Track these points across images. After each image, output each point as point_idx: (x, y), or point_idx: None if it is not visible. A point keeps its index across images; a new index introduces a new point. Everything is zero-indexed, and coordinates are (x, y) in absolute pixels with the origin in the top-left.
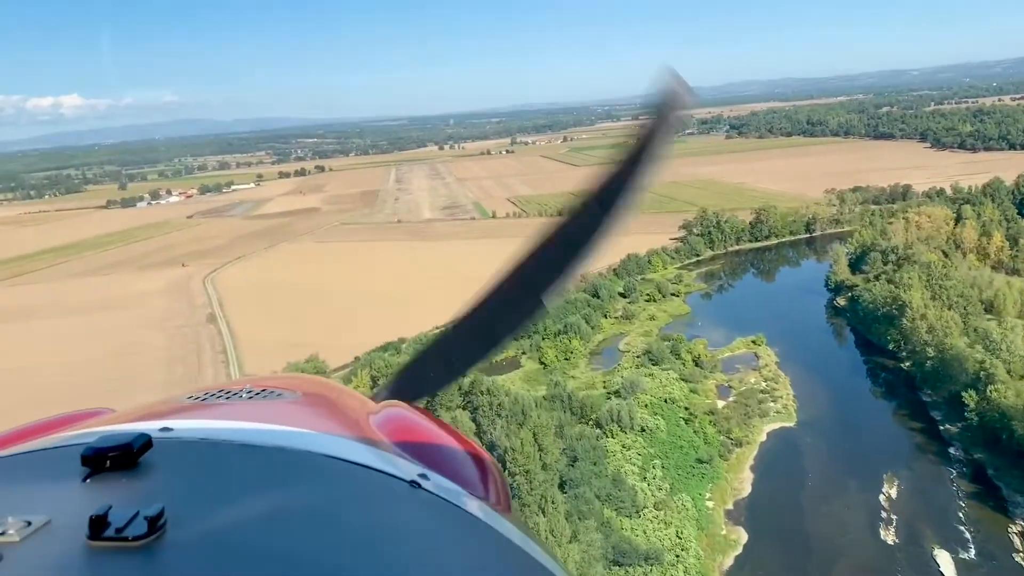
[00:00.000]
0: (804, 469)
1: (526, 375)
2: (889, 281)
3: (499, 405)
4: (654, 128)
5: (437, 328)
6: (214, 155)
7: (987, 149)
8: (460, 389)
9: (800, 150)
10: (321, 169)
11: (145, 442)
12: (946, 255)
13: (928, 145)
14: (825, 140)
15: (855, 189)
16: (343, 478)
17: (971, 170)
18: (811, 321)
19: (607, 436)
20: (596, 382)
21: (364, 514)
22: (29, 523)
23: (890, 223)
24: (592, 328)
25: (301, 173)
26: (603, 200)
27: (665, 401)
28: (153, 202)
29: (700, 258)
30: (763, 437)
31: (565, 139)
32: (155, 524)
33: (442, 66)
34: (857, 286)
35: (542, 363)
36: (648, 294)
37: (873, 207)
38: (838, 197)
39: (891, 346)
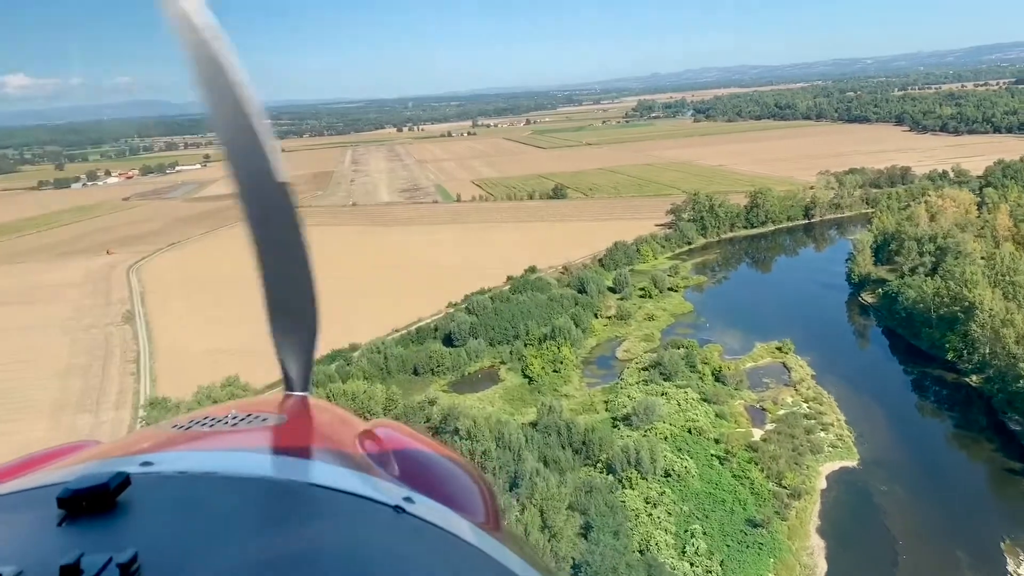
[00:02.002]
0: (888, 531)
1: (508, 393)
2: (934, 275)
3: (484, 454)
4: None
5: (395, 330)
6: (163, 136)
7: (970, 132)
8: (429, 422)
9: (773, 133)
10: None
11: (122, 481)
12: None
13: (906, 128)
14: (797, 123)
15: (850, 171)
16: (326, 507)
17: (961, 152)
18: (836, 321)
19: (624, 485)
20: (595, 402)
21: (346, 544)
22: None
23: (906, 207)
24: (583, 331)
25: None
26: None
27: (689, 431)
28: (89, 183)
29: (692, 246)
30: (823, 483)
31: (528, 122)
32: (128, 571)
33: (400, 49)
34: (888, 280)
35: (526, 376)
36: (643, 289)
37: (874, 191)
38: (837, 180)
39: (949, 355)
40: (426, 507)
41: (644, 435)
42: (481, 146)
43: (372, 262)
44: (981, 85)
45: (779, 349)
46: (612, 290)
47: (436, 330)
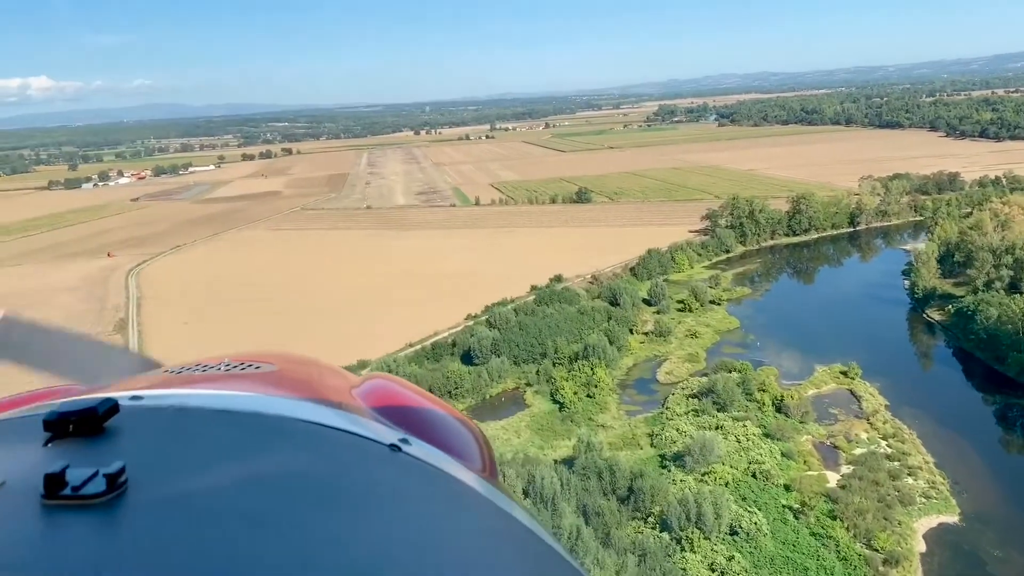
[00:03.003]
0: None
1: (536, 421)
2: (1013, 291)
3: None
4: None
5: (410, 345)
6: (180, 138)
7: (1012, 138)
8: None
9: (802, 137)
10: (288, 152)
11: (111, 407)
12: None
13: (942, 134)
14: (825, 128)
15: (895, 176)
16: (319, 442)
17: (1008, 159)
18: (899, 341)
19: (683, 547)
20: (638, 435)
21: (340, 475)
22: None
23: (967, 215)
24: (618, 349)
25: (267, 155)
26: None
27: (754, 475)
28: (100, 183)
29: (731, 254)
30: (921, 544)
31: (547, 125)
32: (115, 482)
33: (418, 55)
34: (957, 296)
35: (556, 402)
36: (681, 301)
37: (922, 197)
38: (882, 185)
39: None
40: (423, 449)
41: (701, 480)
42: (500, 149)
43: (385, 268)
44: (1013, 91)
45: (844, 374)
46: (647, 302)
47: (454, 346)
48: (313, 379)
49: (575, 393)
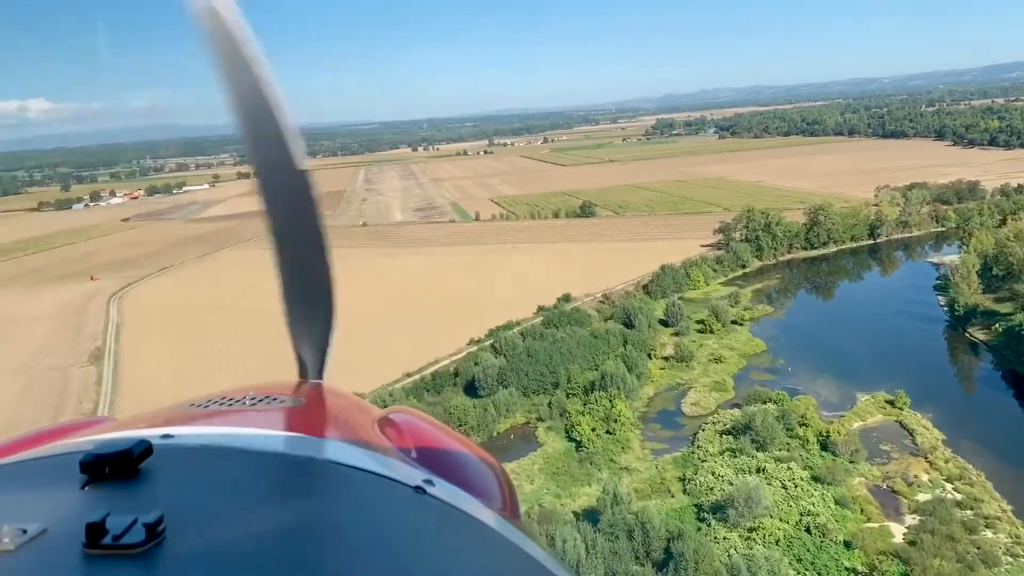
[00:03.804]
0: None
1: (550, 463)
2: None
3: None
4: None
5: (408, 375)
6: (176, 157)
7: (1023, 146)
8: None
9: (806, 149)
10: None
11: (145, 448)
12: None
13: (949, 143)
14: (828, 139)
15: (912, 186)
16: (346, 483)
17: (1022, 167)
18: (942, 364)
19: None
20: (667, 479)
21: (367, 519)
22: (25, 531)
23: (999, 224)
24: (637, 377)
25: None
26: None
27: (808, 530)
28: (92, 204)
29: (747, 270)
30: None
31: (545, 140)
32: (154, 531)
33: (415, 72)
34: (1003, 313)
35: (572, 439)
36: (701, 322)
37: (943, 207)
38: (901, 195)
39: None
40: (446, 490)
41: (748, 537)
42: (499, 164)
43: (381, 289)
44: (1014, 100)
45: (891, 403)
46: (664, 323)
47: (456, 375)
48: (338, 415)
49: (593, 429)
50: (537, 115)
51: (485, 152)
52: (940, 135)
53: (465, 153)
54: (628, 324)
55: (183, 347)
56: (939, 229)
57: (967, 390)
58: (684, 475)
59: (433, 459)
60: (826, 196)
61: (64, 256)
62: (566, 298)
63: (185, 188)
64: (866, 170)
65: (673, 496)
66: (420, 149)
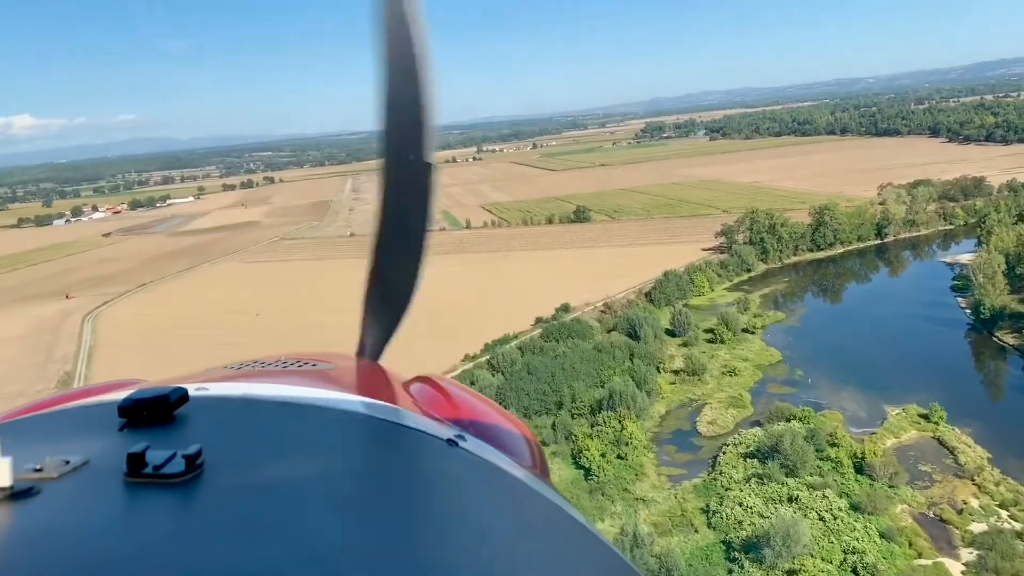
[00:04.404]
0: None
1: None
2: None
3: None
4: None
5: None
6: (161, 170)
7: (1021, 141)
8: None
9: (799, 148)
10: (271, 181)
11: (181, 395)
12: None
13: (944, 140)
14: (821, 139)
15: (917, 183)
16: (381, 434)
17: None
18: (972, 371)
19: None
20: (688, 510)
21: (403, 466)
22: (67, 462)
23: (1016, 221)
24: (648, 393)
25: (248, 185)
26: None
27: (855, 572)
28: (73, 219)
29: (752, 274)
30: None
31: (534, 146)
32: (193, 463)
33: None
34: None
35: (581, 467)
36: (710, 331)
37: (951, 204)
38: (908, 193)
39: None
40: (478, 445)
41: None
42: (488, 171)
43: None
44: (1003, 96)
45: (925, 418)
46: (670, 333)
47: None
48: (368, 377)
49: (603, 455)
50: (525, 121)
51: (474, 159)
52: (934, 132)
53: (454, 160)
54: (633, 335)
55: (158, 370)
56: (947, 227)
57: (1004, 400)
58: (707, 505)
59: (462, 419)
60: (826, 196)
61: (40, 273)
62: (565, 308)
63: (169, 201)
64: (864, 168)
65: (697, 531)
66: None
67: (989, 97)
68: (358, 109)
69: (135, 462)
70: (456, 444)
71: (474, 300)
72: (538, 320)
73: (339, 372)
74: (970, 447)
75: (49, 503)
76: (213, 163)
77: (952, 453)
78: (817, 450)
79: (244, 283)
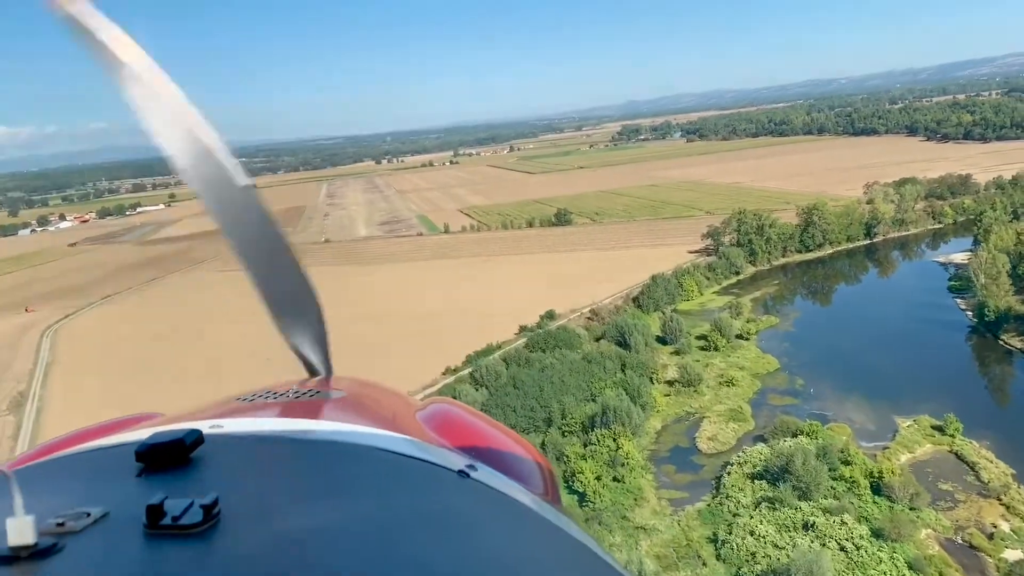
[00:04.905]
0: None
1: None
2: None
3: None
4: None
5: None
6: (133, 178)
7: (1000, 139)
8: None
9: (777, 149)
10: None
11: (197, 438)
12: None
13: (923, 138)
14: (798, 139)
15: (903, 182)
16: (392, 469)
17: (1007, 159)
18: (979, 377)
19: None
20: (696, 540)
21: (414, 501)
22: (88, 514)
23: (1012, 219)
24: (642, 407)
25: None
26: None
27: None
28: (39, 229)
29: (740, 276)
30: None
31: (511, 149)
32: (210, 512)
33: (376, 86)
34: None
35: (574, 491)
36: (703, 337)
37: (939, 203)
38: (895, 191)
39: None
40: (489, 475)
41: None
42: (465, 174)
43: (344, 312)
44: (974, 95)
45: (939, 430)
46: (661, 340)
47: None
48: (380, 405)
49: (598, 477)
50: (501, 125)
51: (451, 163)
52: (912, 131)
53: (431, 164)
54: (622, 343)
55: (120, 388)
56: (937, 226)
57: (1018, 408)
58: (715, 534)
59: (474, 446)
60: (811, 195)
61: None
62: (550, 315)
63: (139, 209)
64: (845, 168)
65: (705, 564)
66: (384, 162)
67: (962, 96)
68: (333, 114)
69: (154, 514)
70: (467, 475)
71: (454, 308)
72: (522, 328)
73: (351, 400)
74: (991, 462)
75: (73, 560)
76: None
77: (973, 469)
78: (830, 469)
79: (214, 294)
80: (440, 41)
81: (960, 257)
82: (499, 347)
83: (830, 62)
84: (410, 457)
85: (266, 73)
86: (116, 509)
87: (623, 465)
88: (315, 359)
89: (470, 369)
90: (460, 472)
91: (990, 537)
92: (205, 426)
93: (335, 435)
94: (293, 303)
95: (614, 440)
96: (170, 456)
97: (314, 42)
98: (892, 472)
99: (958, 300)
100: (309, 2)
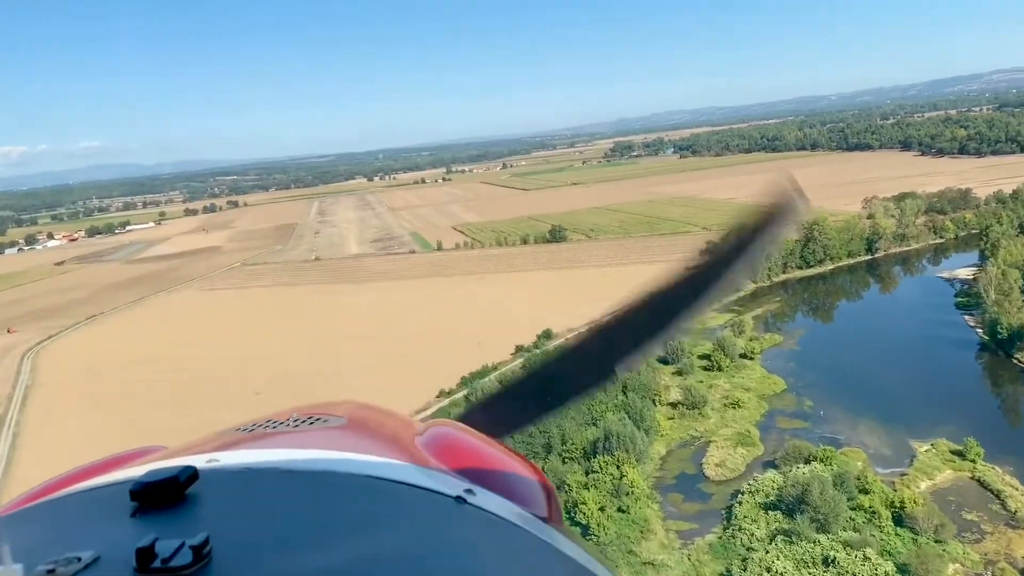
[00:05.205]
0: None
1: None
2: None
3: None
4: (765, 223)
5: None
6: (123, 196)
7: (995, 153)
8: None
9: (771, 164)
10: (235, 205)
11: (191, 474)
12: None
13: (917, 153)
14: (791, 155)
15: (903, 196)
16: (387, 498)
17: (1004, 172)
18: (993, 397)
19: None
20: None
21: (408, 532)
22: (79, 559)
23: (1020, 233)
24: (646, 432)
25: (211, 209)
26: (711, 268)
27: None
28: (27, 248)
29: (741, 292)
30: None
31: (504, 166)
32: (200, 553)
33: (368, 104)
34: None
35: (576, 523)
36: (705, 357)
37: (939, 217)
38: (896, 206)
39: None
40: (487, 499)
41: None
42: (458, 191)
43: (334, 331)
44: (966, 111)
45: (959, 455)
46: (663, 360)
47: None
48: (379, 431)
49: (602, 508)
50: (493, 142)
51: (443, 179)
52: (906, 146)
53: (423, 181)
54: None
55: (99, 414)
56: (938, 241)
57: None
58: (728, 570)
59: (474, 469)
60: (810, 211)
61: None
62: (547, 334)
63: (128, 227)
64: (841, 182)
65: None
66: (377, 179)
67: (953, 112)
68: (325, 132)
69: (144, 556)
70: (465, 501)
71: (448, 328)
72: (518, 349)
73: (350, 427)
74: (1017, 490)
75: None
76: (178, 188)
77: (998, 497)
78: (847, 498)
79: (199, 314)
80: (433, 60)
81: (965, 272)
82: (495, 368)
83: (820, 79)
84: (408, 485)
85: (258, 92)
86: (107, 552)
87: (628, 494)
88: (487, 417)
89: (465, 392)
90: (457, 498)
91: (1022, 572)
92: (202, 460)
93: (331, 465)
94: None
95: (617, 467)
96: (164, 494)
97: (307, 62)
98: (914, 501)
99: (966, 317)
100: (303, 22)
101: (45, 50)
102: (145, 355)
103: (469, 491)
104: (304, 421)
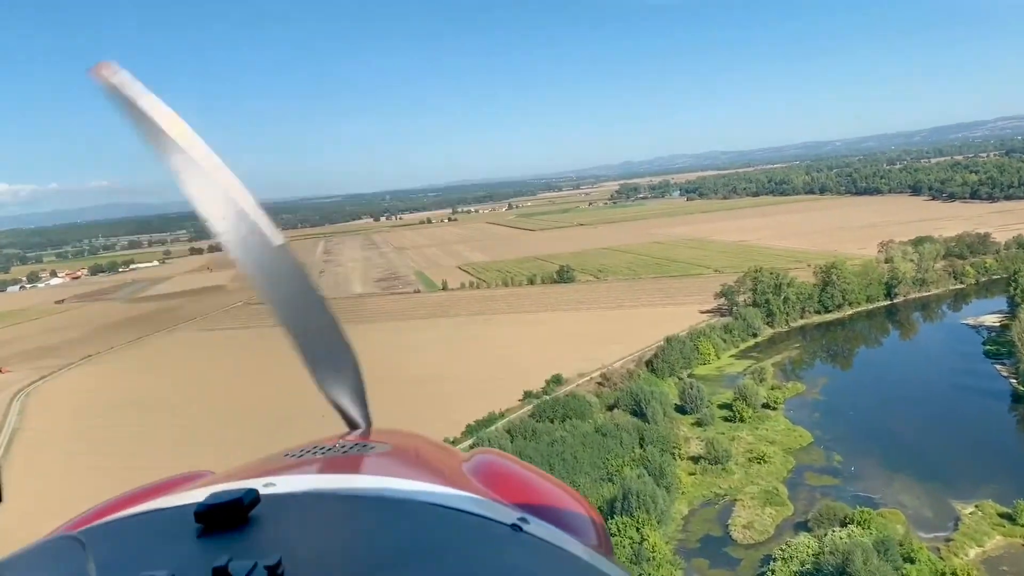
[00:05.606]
0: None
1: None
2: None
3: None
4: None
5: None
6: (130, 235)
7: (1008, 198)
8: None
9: (781, 208)
10: None
11: (254, 498)
12: None
13: (928, 198)
14: (801, 198)
15: (920, 240)
16: (446, 524)
17: (1018, 218)
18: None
19: None
20: None
21: (470, 557)
22: None
23: None
24: (667, 489)
25: (217, 248)
26: None
27: None
28: (29, 286)
29: (758, 339)
30: None
31: (510, 206)
32: (275, 573)
33: (375, 145)
34: None
35: None
36: (727, 407)
37: (959, 262)
38: (914, 250)
39: None
40: (542, 528)
41: None
42: (464, 231)
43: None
44: (972, 156)
45: (1008, 518)
46: (680, 409)
47: None
48: (426, 458)
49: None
50: (499, 184)
51: (449, 220)
52: (915, 190)
53: (429, 221)
54: (638, 413)
55: (87, 460)
56: (959, 286)
57: None
58: None
59: (523, 499)
60: (822, 254)
61: None
62: (557, 380)
63: (132, 266)
64: (853, 226)
65: None
66: (383, 219)
67: (960, 157)
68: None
69: None
70: (520, 528)
71: (453, 371)
72: (527, 394)
73: (398, 453)
74: None
75: None
76: (185, 227)
77: None
78: (893, 568)
79: (198, 354)
80: (439, 103)
81: (992, 319)
82: (502, 416)
83: (825, 124)
84: (464, 512)
85: (265, 133)
86: (180, 572)
87: (649, 560)
88: (354, 412)
89: (470, 441)
90: (513, 525)
91: None
92: (259, 484)
93: (389, 491)
94: (330, 357)
95: (637, 530)
96: (229, 516)
97: (314, 103)
98: (967, 572)
99: (998, 366)
100: (310, 67)
101: (53, 88)
102: (137, 398)
103: (523, 519)
104: (353, 447)
